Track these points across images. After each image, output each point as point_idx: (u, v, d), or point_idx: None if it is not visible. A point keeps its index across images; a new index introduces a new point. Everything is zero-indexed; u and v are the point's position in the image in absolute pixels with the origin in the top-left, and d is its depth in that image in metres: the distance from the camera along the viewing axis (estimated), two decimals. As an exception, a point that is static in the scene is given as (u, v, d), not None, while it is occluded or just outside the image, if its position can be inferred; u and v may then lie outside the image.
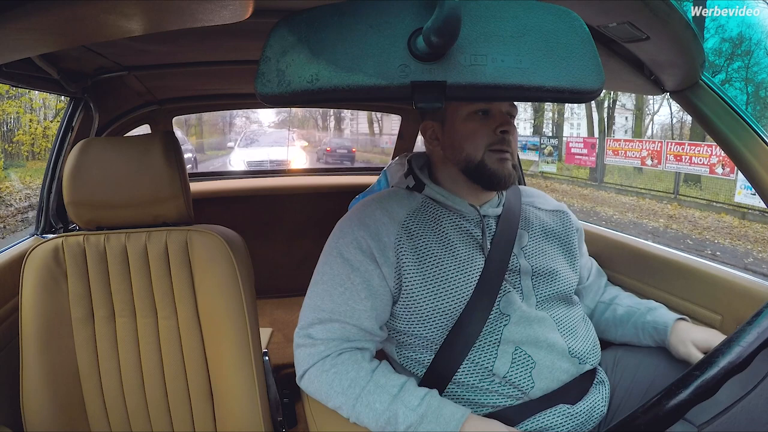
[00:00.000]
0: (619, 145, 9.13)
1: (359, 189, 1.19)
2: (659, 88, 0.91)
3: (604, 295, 1.00)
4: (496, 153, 0.79)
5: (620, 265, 1.11)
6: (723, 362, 0.53)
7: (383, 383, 0.72)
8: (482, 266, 0.80)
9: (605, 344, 0.93)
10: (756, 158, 0.81)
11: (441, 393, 0.77)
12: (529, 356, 0.77)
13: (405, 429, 0.68)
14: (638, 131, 14.29)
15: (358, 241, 0.78)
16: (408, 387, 0.72)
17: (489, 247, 0.81)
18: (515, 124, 0.85)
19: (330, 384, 0.73)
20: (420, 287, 0.77)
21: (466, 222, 0.83)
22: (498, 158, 0.79)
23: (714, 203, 7.60)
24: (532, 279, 0.83)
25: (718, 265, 1.01)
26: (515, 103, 0.85)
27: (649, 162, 8.49)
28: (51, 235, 1.10)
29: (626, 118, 15.37)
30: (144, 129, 1.80)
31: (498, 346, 0.77)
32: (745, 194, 6.67)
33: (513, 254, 0.83)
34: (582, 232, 0.98)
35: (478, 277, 0.79)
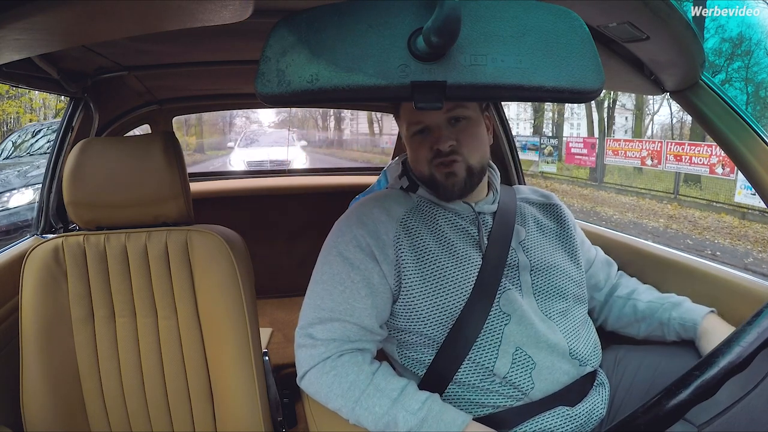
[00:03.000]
0: (619, 145, 9.12)
1: (359, 189, 1.19)
2: (659, 88, 0.91)
3: (620, 289, 0.98)
4: (440, 167, 0.81)
5: (620, 265, 1.11)
6: (723, 362, 0.53)
7: (383, 386, 0.71)
8: (480, 263, 0.80)
9: (606, 344, 0.93)
10: (756, 158, 0.81)
11: (442, 393, 0.77)
12: (530, 357, 0.77)
13: (408, 429, 0.68)
14: (638, 131, 14.28)
15: (357, 239, 0.78)
16: (408, 390, 0.71)
17: (486, 242, 0.82)
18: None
19: (330, 386, 0.73)
20: (419, 285, 0.77)
21: (461, 220, 0.84)
22: (444, 172, 0.81)
23: (714, 203, 7.59)
24: (531, 274, 0.84)
25: (718, 265, 1.01)
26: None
27: (649, 162, 8.48)
28: (51, 235, 1.10)
29: (626, 118, 15.37)
30: (144, 129, 1.81)
31: (499, 345, 0.77)
32: (745, 194, 6.67)
33: (511, 249, 0.83)
34: (575, 223, 0.98)
35: (476, 274, 0.79)
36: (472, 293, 0.78)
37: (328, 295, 0.77)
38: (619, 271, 1.04)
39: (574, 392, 0.79)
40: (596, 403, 0.80)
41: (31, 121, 10.21)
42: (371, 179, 1.66)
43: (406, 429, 0.68)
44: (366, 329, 0.76)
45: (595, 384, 0.83)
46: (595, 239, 1.20)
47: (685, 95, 0.88)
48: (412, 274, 0.77)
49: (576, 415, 0.77)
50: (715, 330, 0.81)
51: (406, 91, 0.47)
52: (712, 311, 0.86)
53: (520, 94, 0.49)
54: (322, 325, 0.76)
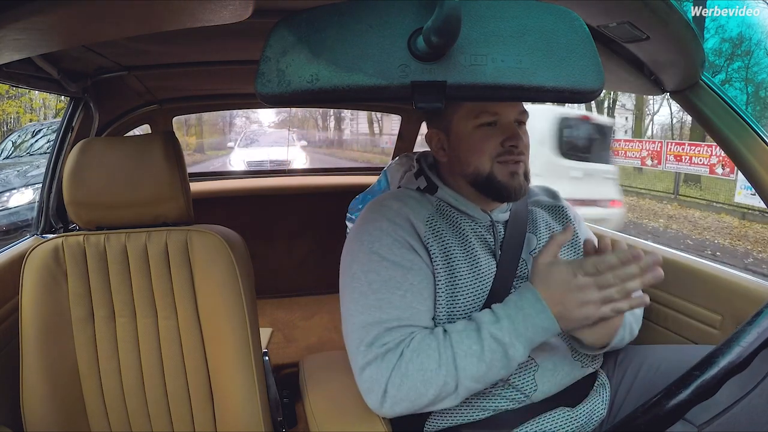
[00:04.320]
0: (619, 145, 9.12)
1: (359, 189, 1.19)
2: (659, 88, 0.91)
3: None
4: (504, 165, 0.76)
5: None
6: (723, 362, 0.53)
7: (458, 329, 0.69)
8: (495, 272, 0.78)
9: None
10: (756, 158, 0.81)
11: None
12: (533, 359, 0.76)
13: (510, 336, 0.66)
14: (638, 131, 14.29)
15: (399, 240, 0.74)
16: (474, 315, 0.70)
17: (500, 252, 0.80)
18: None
19: (422, 369, 0.66)
20: (441, 290, 0.75)
21: (479, 227, 0.81)
22: (508, 171, 0.76)
23: (714, 203, 7.60)
24: None
25: (718, 265, 1.01)
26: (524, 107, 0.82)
27: (649, 162, 8.48)
28: (51, 235, 1.10)
29: (626, 118, 15.37)
30: (144, 129, 1.81)
31: None
32: (745, 194, 6.66)
33: (522, 259, 0.81)
34: (580, 218, 0.96)
35: (491, 284, 0.77)
36: (485, 303, 0.76)
37: (387, 304, 0.70)
38: None
39: (575, 393, 0.79)
40: (597, 403, 0.80)
41: (31, 121, 10.20)
42: (371, 179, 1.66)
43: (508, 332, 0.65)
44: (424, 328, 0.72)
45: (595, 385, 0.83)
46: (595, 239, 1.20)
47: (685, 95, 0.88)
48: (439, 277, 0.75)
49: (577, 415, 0.77)
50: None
51: (406, 91, 0.47)
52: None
53: (520, 94, 0.49)
54: (389, 334, 0.70)
